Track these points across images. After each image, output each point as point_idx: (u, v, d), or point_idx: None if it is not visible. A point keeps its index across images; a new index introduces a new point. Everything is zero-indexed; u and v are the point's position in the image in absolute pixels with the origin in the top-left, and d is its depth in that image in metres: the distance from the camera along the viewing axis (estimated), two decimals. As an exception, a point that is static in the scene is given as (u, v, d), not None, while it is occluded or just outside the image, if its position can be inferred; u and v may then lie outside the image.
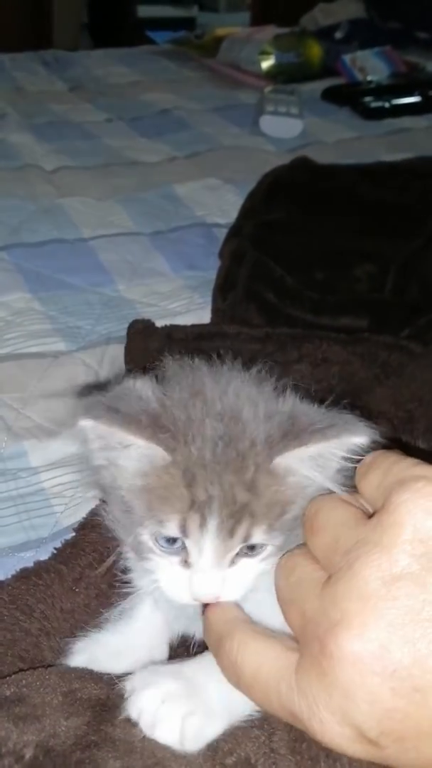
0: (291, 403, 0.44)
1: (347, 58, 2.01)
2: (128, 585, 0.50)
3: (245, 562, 0.43)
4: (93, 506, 0.65)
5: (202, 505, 0.40)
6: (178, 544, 0.42)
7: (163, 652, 0.51)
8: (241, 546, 0.42)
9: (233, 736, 0.41)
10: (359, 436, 0.40)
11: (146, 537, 0.43)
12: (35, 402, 0.82)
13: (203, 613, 0.44)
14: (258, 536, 0.41)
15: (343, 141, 1.64)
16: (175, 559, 0.43)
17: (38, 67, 2.06)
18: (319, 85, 1.94)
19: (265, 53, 2.04)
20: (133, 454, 0.42)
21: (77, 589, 0.57)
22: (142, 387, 0.44)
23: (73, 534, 0.63)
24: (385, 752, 0.34)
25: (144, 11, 3.69)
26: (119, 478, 0.43)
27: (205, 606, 0.43)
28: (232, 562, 0.42)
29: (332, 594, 0.35)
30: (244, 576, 0.43)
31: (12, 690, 0.45)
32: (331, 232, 1.15)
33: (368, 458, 0.39)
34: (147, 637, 0.51)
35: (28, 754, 0.41)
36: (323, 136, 1.65)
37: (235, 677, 0.39)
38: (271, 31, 2.21)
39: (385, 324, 0.94)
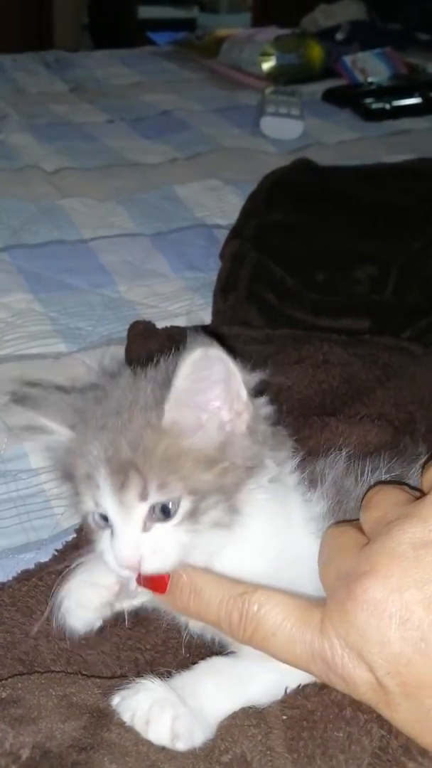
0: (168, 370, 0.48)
1: (348, 59, 2.01)
2: None
3: (160, 528, 0.45)
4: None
5: (91, 468, 0.45)
6: (109, 522, 0.46)
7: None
8: (146, 506, 0.44)
9: (230, 734, 0.42)
10: (194, 351, 0.43)
11: (89, 520, 0.48)
12: (36, 403, 0.82)
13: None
14: (154, 494, 0.44)
15: (343, 142, 1.64)
16: (108, 533, 0.47)
17: (39, 68, 2.06)
18: (319, 87, 1.94)
19: (265, 54, 2.04)
20: (56, 439, 0.49)
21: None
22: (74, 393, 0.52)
23: (74, 535, 0.63)
24: (389, 697, 0.37)
25: (145, 12, 3.70)
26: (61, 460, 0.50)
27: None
28: (147, 528, 0.45)
29: (367, 551, 0.40)
30: (163, 542, 0.45)
31: (8, 692, 0.45)
32: (332, 234, 1.15)
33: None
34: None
35: (25, 754, 0.41)
36: (324, 138, 1.65)
37: (252, 630, 0.42)
38: (271, 32, 2.21)
39: (386, 325, 0.94)
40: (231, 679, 0.46)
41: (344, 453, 0.53)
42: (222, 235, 1.16)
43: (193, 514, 0.45)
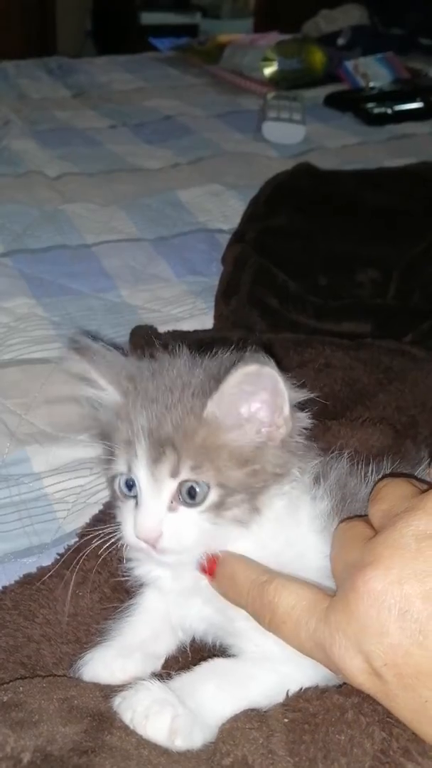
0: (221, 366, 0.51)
1: (350, 64, 2.02)
2: (128, 576, 0.53)
3: (185, 511, 0.47)
4: (96, 511, 0.65)
5: (133, 435, 0.48)
6: (134, 491, 0.48)
7: (168, 643, 0.52)
8: (176, 483, 0.47)
9: (231, 737, 0.42)
10: (250, 365, 0.46)
11: (116, 484, 0.50)
12: (38, 407, 0.82)
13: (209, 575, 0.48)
14: (185, 472, 0.46)
15: (345, 147, 1.64)
16: (132, 503, 0.49)
17: (42, 74, 2.07)
18: (321, 92, 1.94)
19: (267, 60, 2.05)
20: (102, 396, 0.51)
21: (81, 593, 0.57)
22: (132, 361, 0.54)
23: (76, 539, 0.63)
24: (386, 686, 0.38)
25: (147, 18, 3.71)
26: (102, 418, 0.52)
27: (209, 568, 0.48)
28: (172, 508, 0.47)
29: (372, 543, 0.40)
30: (185, 525, 0.47)
31: (9, 696, 0.45)
32: (334, 238, 1.15)
33: None
34: (150, 629, 0.52)
35: (26, 758, 0.41)
36: (326, 142, 1.65)
37: (270, 615, 0.44)
38: (273, 37, 2.22)
39: (388, 329, 0.94)
40: (232, 681, 0.46)
41: (346, 454, 0.54)
42: (224, 240, 1.16)
43: (219, 507, 0.47)
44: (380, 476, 0.51)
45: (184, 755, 0.43)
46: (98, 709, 0.45)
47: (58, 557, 0.61)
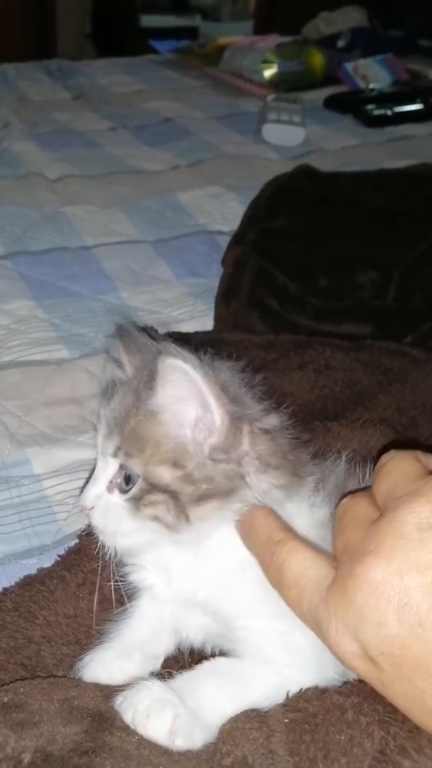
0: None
1: (349, 66, 2.02)
2: (124, 580, 0.53)
3: (116, 496, 0.49)
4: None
5: (103, 413, 0.51)
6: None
7: (167, 644, 0.52)
8: (117, 464, 0.49)
9: (231, 737, 0.42)
10: (164, 358, 0.46)
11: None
12: (38, 409, 0.82)
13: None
14: (121, 456, 0.48)
15: (345, 148, 1.64)
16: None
17: (42, 77, 2.07)
18: (321, 93, 1.95)
19: (267, 62, 2.05)
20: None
21: (81, 595, 0.57)
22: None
23: (77, 541, 0.63)
24: (382, 674, 0.38)
25: (147, 21, 3.72)
26: None
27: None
28: (110, 488, 0.49)
29: (374, 528, 0.40)
30: (111, 508, 0.49)
31: (10, 696, 0.45)
32: (334, 239, 1.15)
33: None
34: (148, 630, 0.52)
35: (27, 759, 0.41)
36: (326, 144, 1.65)
37: (277, 577, 0.44)
38: (273, 39, 2.22)
39: (388, 330, 0.94)
40: (232, 680, 0.46)
41: (344, 457, 0.54)
42: (224, 242, 1.16)
43: (138, 500, 0.48)
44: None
45: (185, 755, 0.43)
46: (98, 710, 0.45)
47: (58, 559, 0.61)
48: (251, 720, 0.42)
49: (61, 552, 0.62)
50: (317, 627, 0.41)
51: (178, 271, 1.11)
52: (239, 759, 0.40)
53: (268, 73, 2.04)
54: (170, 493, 0.47)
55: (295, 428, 0.53)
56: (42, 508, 0.70)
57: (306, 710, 0.41)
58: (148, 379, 0.49)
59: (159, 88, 2.03)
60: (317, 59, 2.08)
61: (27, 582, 0.59)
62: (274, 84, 2.01)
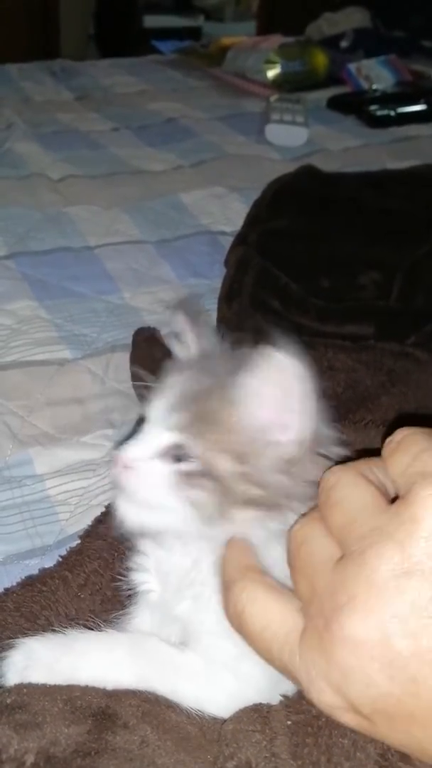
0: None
1: (352, 66, 2.02)
2: (128, 583, 0.52)
3: (160, 465, 0.45)
4: (98, 513, 0.65)
5: (173, 384, 0.48)
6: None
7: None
8: (173, 439, 0.45)
9: (234, 740, 0.41)
10: (269, 352, 0.43)
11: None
12: (41, 409, 0.82)
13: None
14: (182, 431, 0.45)
15: (348, 149, 1.64)
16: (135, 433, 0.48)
17: (45, 77, 2.07)
18: (324, 94, 1.94)
19: (270, 62, 2.05)
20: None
21: (82, 595, 0.57)
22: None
23: (78, 541, 0.63)
24: (376, 728, 0.35)
25: (150, 21, 3.72)
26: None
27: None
28: (155, 457, 0.45)
29: (342, 576, 0.36)
30: (156, 477, 0.45)
31: (13, 698, 0.45)
32: (337, 240, 1.15)
33: (399, 435, 0.39)
34: (148, 629, 0.51)
35: (29, 760, 0.41)
36: (329, 145, 1.65)
37: (238, 626, 0.40)
38: (276, 40, 2.22)
39: (391, 331, 0.94)
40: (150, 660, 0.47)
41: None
42: (226, 242, 1.16)
43: (187, 480, 0.45)
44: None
45: (189, 756, 0.43)
46: (101, 709, 0.45)
47: (60, 559, 0.62)
48: (254, 721, 0.42)
49: (63, 552, 0.62)
50: (295, 682, 0.38)
51: (180, 272, 1.11)
52: (243, 762, 0.40)
53: (271, 73, 2.04)
54: (221, 485, 0.44)
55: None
56: (44, 508, 0.70)
57: (309, 712, 0.41)
58: (235, 364, 0.46)
59: (162, 88, 2.03)
60: (320, 60, 2.08)
61: (28, 582, 0.59)
62: (277, 84, 2.00)
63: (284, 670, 0.38)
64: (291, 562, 0.40)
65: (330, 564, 0.37)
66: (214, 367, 0.48)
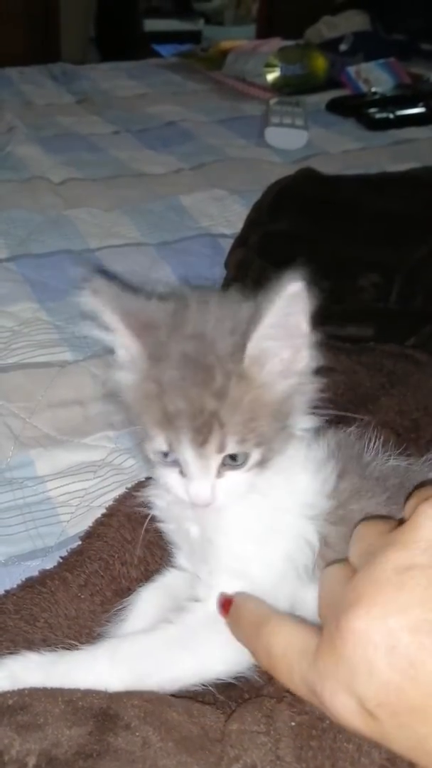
0: (250, 308, 0.48)
1: (352, 69, 2.03)
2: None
3: (232, 475, 0.48)
4: (99, 515, 0.66)
5: (172, 417, 0.45)
6: (172, 457, 0.48)
7: None
8: (221, 456, 0.46)
9: (239, 741, 0.41)
10: (293, 284, 0.45)
11: (150, 454, 0.49)
12: (42, 411, 0.82)
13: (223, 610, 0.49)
14: (232, 446, 0.46)
15: (347, 152, 1.65)
16: (175, 470, 0.48)
17: (46, 81, 2.08)
18: (323, 97, 1.95)
19: (270, 65, 2.06)
20: (118, 343, 0.49)
21: (82, 596, 0.57)
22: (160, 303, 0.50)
23: (79, 543, 0.63)
24: (381, 726, 0.36)
25: (150, 25, 3.73)
26: (122, 383, 0.50)
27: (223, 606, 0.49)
28: (220, 474, 0.47)
29: (353, 582, 0.39)
30: (233, 486, 0.48)
31: (14, 699, 0.45)
32: (336, 242, 1.15)
33: (422, 491, 0.43)
34: (143, 622, 0.53)
35: (31, 762, 0.41)
36: (328, 147, 1.66)
37: (266, 657, 0.43)
38: (276, 43, 2.23)
39: (391, 333, 0.94)
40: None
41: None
42: (227, 245, 1.16)
43: (262, 463, 0.48)
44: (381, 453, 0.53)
45: (192, 757, 0.43)
46: (103, 710, 0.45)
47: (61, 560, 0.62)
48: (258, 721, 0.42)
49: (65, 554, 0.62)
50: (311, 693, 0.40)
51: (180, 274, 1.11)
52: (248, 765, 0.40)
53: (271, 76, 2.04)
54: (276, 436, 0.48)
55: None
56: (45, 509, 0.70)
57: (313, 714, 0.41)
58: (234, 341, 0.46)
59: (162, 91, 2.03)
60: (320, 63, 2.08)
61: (28, 584, 0.59)
62: (277, 87, 2.01)
63: (304, 686, 0.40)
64: (320, 598, 0.43)
65: (346, 580, 0.40)
66: (193, 351, 0.46)
